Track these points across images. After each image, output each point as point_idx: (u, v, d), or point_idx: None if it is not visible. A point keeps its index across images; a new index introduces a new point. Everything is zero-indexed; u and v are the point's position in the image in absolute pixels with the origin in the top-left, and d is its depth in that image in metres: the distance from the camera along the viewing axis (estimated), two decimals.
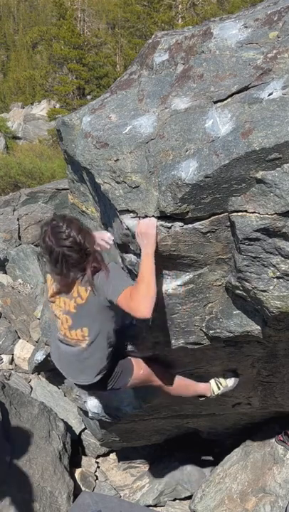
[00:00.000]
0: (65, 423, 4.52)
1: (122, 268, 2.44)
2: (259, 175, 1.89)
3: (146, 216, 2.17)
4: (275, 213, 1.90)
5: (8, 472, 3.47)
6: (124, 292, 2.20)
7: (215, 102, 2.04)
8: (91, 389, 2.77)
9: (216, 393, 3.06)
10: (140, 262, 2.19)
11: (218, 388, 3.05)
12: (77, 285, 2.35)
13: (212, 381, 3.08)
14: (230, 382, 3.04)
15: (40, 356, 4.91)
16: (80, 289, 2.35)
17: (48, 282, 2.55)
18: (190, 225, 2.11)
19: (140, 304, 2.11)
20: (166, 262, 2.29)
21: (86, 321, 2.38)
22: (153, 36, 2.53)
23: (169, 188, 2.03)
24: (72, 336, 2.44)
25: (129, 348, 2.68)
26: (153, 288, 2.12)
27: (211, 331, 2.45)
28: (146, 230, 2.11)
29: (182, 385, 3.00)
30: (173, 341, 2.59)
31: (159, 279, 2.39)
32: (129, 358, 2.72)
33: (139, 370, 2.70)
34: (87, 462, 4.74)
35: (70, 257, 2.24)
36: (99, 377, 2.53)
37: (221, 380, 3.06)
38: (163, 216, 2.12)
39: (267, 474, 3.77)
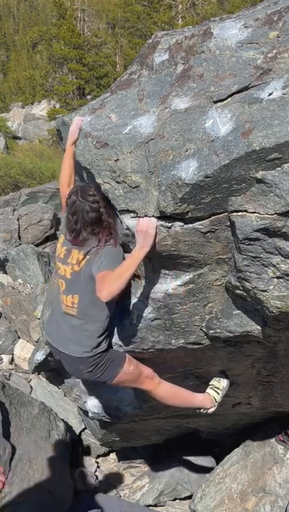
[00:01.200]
0: (65, 423, 4.52)
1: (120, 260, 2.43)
2: (259, 175, 1.89)
3: (146, 216, 2.17)
4: (275, 213, 1.90)
5: (8, 472, 3.46)
6: (104, 272, 2.29)
7: (215, 102, 2.04)
8: (80, 373, 2.67)
9: (217, 400, 2.99)
10: (129, 254, 2.24)
11: (218, 393, 2.99)
12: (78, 252, 2.43)
13: (209, 389, 3.01)
14: (224, 383, 3.01)
15: (40, 356, 4.90)
16: (79, 256, 2.43)
17: (58, 243, 2.62)
18: (190, 225, 2.11)
19: (105, 287, 2.20)
20: (166, 261, 2.30)
21: (78, 288, 2.46)
22: (153, 36, 2.53)
23: (169, 187, 2.03)
24: (65, 302, 2.53)
25: (129, 347, 2.68)
26: (123, 281, 2.19)
27: (211, 331, 2.45)
28: (147, 230, 2.14)
29: (177, 394, 2.91)
30: (173, 341, 2.59)
31: (159, 279, 2.39)
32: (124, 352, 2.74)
33: (130, 365, 2.67)
34: (87, 462, 4.74)
35: (88, 213, 2.35)
36: (87, 354, 2.54)
37: (215, 383, 3.02)
38: (163, 216, 2.12)
39: (267, 474, 3.77)
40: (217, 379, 3.03)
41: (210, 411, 3.00)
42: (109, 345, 2.67)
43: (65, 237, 2.55)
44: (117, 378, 2.66)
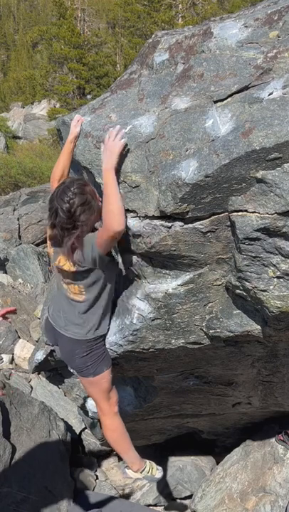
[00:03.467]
0: (66, 423, 4.52)
1: None
2: (259, 174, 1.89)
3: (146, 216, 2.17)
4: (276, 213, 1.90)
5: (9, 472, 3.47)
6: (97, 233, 2.31)
7: (215, 102, 2.04)
8: (74, 358, 2.68)
9: (142, 475, 2.99)
10: (103, 181, 2.23)
11: (150, 470, 2.98)
12: (65, 258, 2.45)
13: (148, 462, 3.02)
14: (159, 474, 3.02)
15: (40, 356, 4.90)
16: (68, 264, 2.45)
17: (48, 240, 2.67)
18: (190, 225, 2.11)
19: (112, 220, 2.18)
20: (166, 261, 2.30)
21: (83, 280, 2.49)
22: (153, 36, 2.52)
23: (169, 187, 2.03)
24: (72, 289, 2.55)
25: (129, 347, 2.68)
26: (115, 200, 2.17)
27: (211, 331, 2.45)
28: (113, 149, 2.17)
29: (121, 434, 2.91)
30: (173, 341, 2.59)
31: (159, 278, 2.39)
32: None
33: (110, 374, 2.75)
34: (87, 462, 4.74)
35: (59, 215, 2.37)
36: (88, 337, 2.60)
37: (154, 466, 3.02)
38: (163, 216, 2.12)
39: (267, 474, 3.78)
40: (158, 467, 3.05)
41: (131, 474, 3.02)
42: (105, 336, 2.72)
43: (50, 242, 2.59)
44: (99, 377, 2.70)
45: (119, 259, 2.58)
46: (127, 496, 4.46)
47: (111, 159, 2.18)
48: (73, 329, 2.63)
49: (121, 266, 2.65)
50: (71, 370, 2.88)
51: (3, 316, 2.69)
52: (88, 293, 2.53)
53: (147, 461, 3.02)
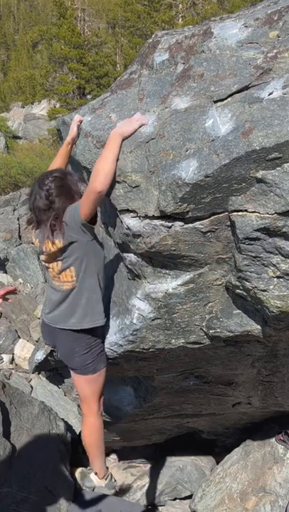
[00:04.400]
0: (66, 422, 4.52)
1: None
2: (259, 174, 1.89)
3: (146, 216, 2.17)
4: (276, 213, 1.90)
5: (9, 472, 3.46)
6: (81, 200, 2.34)
7: (215, 102, 2.04)
8: (74, 356, 2.68)
9: (105, 482, 3.05)
10: (106, 141, 2.25)
11: (110, 480, 3.06)
12: (47, 241, 2.48)
13: (110, 472, 3.11)
14: (115, 483, 3.14)
15: (40, 356, 4.90)
16: (51, 247, 2.48)
17: (32, 234, 2.69)
18: (190, 225, 2.11)
19: (95, 179, 2.21)
20: (166, 261, 2.30)
21: (70, 261, 2.51)
22: (153, 36, 2.53)
23: (169, 187, 2.03)
24: (64, 279, 2.56)
25: (129, 347, 2.68)
26: (109, 163, 2.19)
27: (211, 331, 2.45)
28: (134, 120, 2.22)
29: (96, 439, 2.93)
30: (173, 341, 2.59)
31: (159, 278, 2.39)
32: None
33: (105, 373, 2.77)
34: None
35: (36, 199, 2.45)
36: (86, 326, 2.60)
37: (112, 480, 3.11)
38: (163, 216, 2.12)
39: (267, 474, 3.77)
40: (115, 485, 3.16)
41: (95, 482, 3.06)
42: (102, 330, 2.72)
43: (32, 227, 2.63)
44: (97, 374, 2.72)
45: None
46: (127, 496, 4.46)
47: (124, 128, 2.21)
48: (70, 320, 2.61)
49: (121, 266, 2.65)
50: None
51: (3, 297, 2.67)
52: (78, 278, 2.53)
53: (108, 469, 3.11)
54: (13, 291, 2.74)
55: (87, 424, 2.89)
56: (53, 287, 2.65)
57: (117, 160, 2.21)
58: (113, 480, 3.10)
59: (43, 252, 2.55)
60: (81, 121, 2.54)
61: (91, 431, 2.90)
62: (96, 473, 3.05)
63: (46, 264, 2.62)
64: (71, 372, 2.82)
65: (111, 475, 3.10)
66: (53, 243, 2.47)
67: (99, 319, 2.64)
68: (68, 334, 2.65)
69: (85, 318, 2.61)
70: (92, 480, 3.07)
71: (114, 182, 2.24)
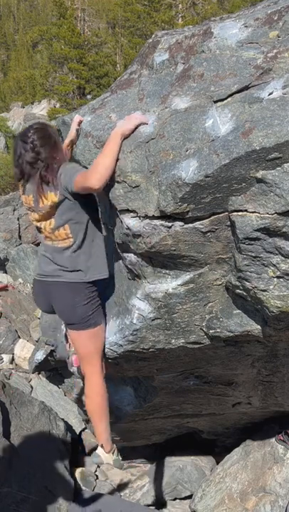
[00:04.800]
0: (66, 422, 4.52)
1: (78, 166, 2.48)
2: (259, 174, 1.89)
3: (146, 216, 2.17)
4: (276, 213, 1.90)
5: (9, 472, 3.46)
6: (80, 174, 2.33)
7: (215, 102, 2.04)
8: (75, 307, 2.60)
9: (112, 458, 2.90)
10: (107, 139, 2.27)
11: (117, 456, 2.92)
12: (42, 196, 2.46)
13: (116, 449, 2.95)
14: (116, 466, 2.98)
15: (40, 356, 4.91)
16: (43, 199, 2.46)
17: (20, 193, 2.67)
18: (190, 225, 2.11)
19: (92, 174, 2.22)
20: (166, 261, 2.30)
21: (63, 218, 2.49)
22: (153, 36, 2.53)
23: (169, 187, 2.03)
24: (59, 237, 2.53)
25: (129, 347, 2.68)
26: (109, 163, 2.21)
27: (211, 331, 2.45)
28: (133, 118, 2.23)
29: (101, 405, 2.79)
30: (173, 341, 2.59)
31: (159, 278, 2.39)
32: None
33: (104, 330, 2.70)
34: (88, 462, 4.74)
35: (21, 152, 2.44)
36: (85, 279, 2.55)
37: (119, 457, 2.96)
38: (163, 216, 2.12)
39: (267, 474, 3.77)
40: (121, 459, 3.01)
41: (103, 457, 2.89)
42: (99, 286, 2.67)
43: (21, 184, 2.62)
44: (99, 328, 2.66)
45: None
46: (127, 496, 4.46)
47: (125, 127, 2.22)
48: (70, 274, 2.56)
49: (121, 266, 2.65)
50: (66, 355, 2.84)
51: None
52: (75, 236, 2.51)
53: (113, 445, 2.94)
54: (5, 288, 2.70)
55: (91, 386, 2.74)
56: (46, 248, 2.61)
57: (117, 160, 2.21)
58: (120, 457, 2.96)
59: (37, 210, 2.51)
60: (81, 122, 2.54)
61: (96, 394, 2.75)
62: (102, 447, 2.89)
63: (37, 224, 2.58)
64: (71, 332, 2.73)
65: (117, 450, 2.95)
66: (46, 197, 2.44)
67: (102, 272, 2.60)
68: (68, 286, 2.57)
69: (88, 272, 2.56)
70: (100, 455, 2.90)
71: (112, 180, 2.24)
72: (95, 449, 4.86)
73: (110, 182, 2.27)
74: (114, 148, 2.22)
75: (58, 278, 2.59)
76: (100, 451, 2.90)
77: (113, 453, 2.91)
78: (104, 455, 2.89)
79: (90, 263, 2.56)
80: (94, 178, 2.21)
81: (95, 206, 2.59)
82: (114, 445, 2.95)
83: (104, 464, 3.00)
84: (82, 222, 2.51)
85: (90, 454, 4.87)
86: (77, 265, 2.55)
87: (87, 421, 4.09)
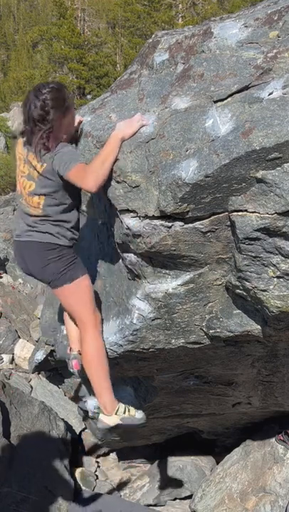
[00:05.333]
0: (66, 422, 4.52)
1: (77, 153, 2.44)
2: (259, 174, 1.89)
3: (146, 216, 2.17)
4: (276, 213, 1.90)
5: (9, 472, 3.47)
6: (77, 166, 2.28)
7: (215, 102, 2.04)
8: (48, 264, 2.53)
9: (118, 417, 2.61)
10: (106, 141, 2.25)
11: (124, 412, 2.63)
12: (34, 157, 2.42)
13: (122, 403, 2.67)
14: (139, 414, 2.67)
15: (40, 356, 4.90)
16: (36, 163, 2.42)
17: (18, 145, 2.59)
18: (190, 225, 2.11)
19: (89, 176, 2.21)
20: (166, 261, 2.30)
21: (42, 190, 2.46)
22: (153, 36, 2.52)
23: (169, 187, 2.03)
24: (31, 203, 2.50)
25: (129, 347, 2.68)
26: (107, 166, 2.20)
27: (211, 331, 2.45)
28: (134, 121, 2.21)
29: (102, 356, 2.58)
30: (173, 341, 2.59)
31: (159, 278, 2.39)
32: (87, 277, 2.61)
33: (87, 282, 2.58)
34: (88, 462, 4.74)
35: (35, 109, 2.35)
36: (55, 240, 2.50)
37: (131, 407, 2.68)
38: (163, 216, 2.12)
39: (267, 474, 3.77)
40: (137, 410, 2.74)
41: (106, 420, 2.63)
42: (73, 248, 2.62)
43: (22, 136, 2.55)
44: (77, 282, 2.54)
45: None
46: (127, 496, 4.47)
47: (126, 130, 2.21)
48: (39, 235, 2.52)
49: (121, 266, 2.65)
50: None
51: None
52: (45, 208, 2.46)
53: (121, 403, 2.67)
54: None
55: (87, 341, 2.60)
56: (20, 206, 2.58)
57: (117, 160, 2.21)
58: (129, 413, 2.65)
59: (25, 162, 2.47)
60: (80, 122, 2.54)
61: (93, 349, 2.59)
62: (104, 412, 2.64)
63: (21, 177, 2.54)
64: (54, 292, 2.66)
65: (125, 406, 2.67)
66: (37, 160, 2.39)
67: (69, 238, 2.54)
68: (38, 245, 2.53)
69: (54, 236, 2.51)
70: (102, 420, 2.66)
71: (108, 181, 2.25)
72: (94, 452, 4.86)
73: (110, 182, 2.27)
74: (113, 151, 2.21)
75: (29, 238, 2.55)
76: (102, 417, 2.65)
77: (117, 412, 2.63)
78: (107, 418, 2.64)
79: (57, 230, 2.51)
80: (91, 181, 2.20)
81: (78, 193, 2.54)
82: (120, 403, 2.67)
83: (112, 427, 2.67)
84: (59, 200, 2.46)
85: (89, 454, 4.87)
86: (45, 229, 2.51)
87: (84, 418, 4.06)
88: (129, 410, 2.66)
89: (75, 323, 2.77)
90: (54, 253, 2.52)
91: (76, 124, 2.56)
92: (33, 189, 2.46)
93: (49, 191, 2.44)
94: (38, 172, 2.42)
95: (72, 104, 2.44)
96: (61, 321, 3.52)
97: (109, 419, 2.63)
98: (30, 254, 2.59)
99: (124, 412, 2.64)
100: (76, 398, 4.21)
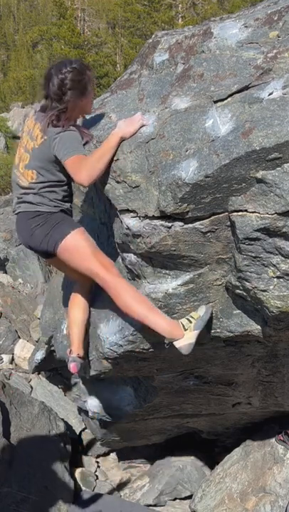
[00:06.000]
0: (66, 423, 4.52)
1: (81, 142, 2.39)
2: (259, 174, 1.89)
3: (146, 216, 2.17)
4: (276, 213, 1.90)
5: (9, 472, 3.46)
6: (76, 157, 2.28)
7: (215, 102, 2.04)
8: (33, 231, 2.51)
9: (186, 328, 2.35)
10: (106, 138, 2.25)
11: (190, 322, 2.36)
12: (38, 128, 2.43)
13: (182, 319, 2.41)
14: (201, 311, 2.38)
15: (40, 356, 4.90)
16: (38, 133, 2.42)
17: (30, 116, 2.58)
18: (190, 225, 2.11)
19: (84, 169, 2.21)
20: (166, 261, 2.30)
21: (36, 164, 2.46)
22: (153, 36, 2.53)
23: (169, 187, 2.03)
24: (25, 176, 2.51)
25: (129, 347, 2.68)
26: (103, 163, 2.21)
27: (211, 331, 2.45)
28: (134, 121, 2.20)
29: (140, 300, 2.37)
30: None
31: (159, 278, 2.39)
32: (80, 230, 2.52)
33: (82, 235, 2.48)
34: (88, 462, 4.74)
35: (53, 85, 2.36)
36: (42, 209, 2.50)
37: (192, 313, 2.40)
38: (163, 216, 2.12)
39: (267, 474, 3.77)
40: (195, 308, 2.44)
41: (179, 345, 2.36)
42: (64, 211, 2.59)
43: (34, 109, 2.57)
44: (69, 239, 2.44)
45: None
46: (127, 496, 4.46)
47: (126, 129, 2.21)
48: (23, 205, 2.54)
49: (121, 267, 2.65)
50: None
51: None
52: (35, 182, 2.47)
53: (180, 320, 2.40)
54: None
55: (117, 296, 2.41)
56: (14, 175, 2.59)
57: (117, 160, 2.21)
58: (196, 313, 2.38)
59: (29, 134, 2.48)
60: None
61: (127, 298, 2.38)
62: (176, 338, 2.36)
63: (21, 149, 2.55)
64: (58, 261, 2.62)
65: (184, 319, 2.39)
66: (40, 130, 2.40)
67: (58, 206, 2.53)
68: (25, 214, 2.54)
69: (40, 206, 2.51)
70: (182, 347, 2.37)
71: (108, 181, 2.25)
72: (94, 452, 4.85)
73: (109, 182, 2.27)
74: (111, 149, 2.22)
75: (18, 209, 2.58)
76: (176, 343, 2.38)
77: (185, 327, 2.37)
78: (184, 340, 2.36)
79: (38, 200, 2.51)
80: (84, 175, 2.22)
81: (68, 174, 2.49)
82: (177, 321, 2.40)
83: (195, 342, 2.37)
84: (46, 178, 2.46)
85: (89, 454, 4.87)
86: (28, 199, 2.52)
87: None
88: (192, 317, 2.39)
89: (84, 326, 2.77)
90: (38, 220, 2.51)
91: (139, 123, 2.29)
92: (27, 162, 2.48)
93: (40, 166, 2.44)
94: (36, 143, 2.42)
95: (91, 88, 2.41)
96: (61, 320, 3.52)
97: (186, 340, 2.36)
98: (20, 225, 2.62)
99: (190, 322, 2.37)
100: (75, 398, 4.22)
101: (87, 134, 2.42)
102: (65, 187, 2.55)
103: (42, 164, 2.44)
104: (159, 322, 2.36)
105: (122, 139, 2.22)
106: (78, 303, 2.91)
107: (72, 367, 2.87)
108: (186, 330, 2.36)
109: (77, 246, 2.47)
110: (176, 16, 29.27)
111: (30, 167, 2.47)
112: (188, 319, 2.38)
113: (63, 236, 2.46)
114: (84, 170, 2.22)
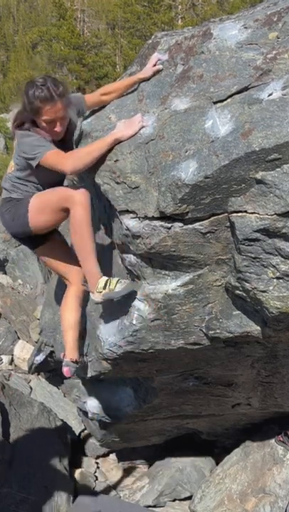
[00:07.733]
0: (65, 423, 4.52)
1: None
2: (259, 175, 1.90)
3: (146, 217, 2.17)
4: (275, 214, 1.90)
5: (9, 472, 3.46)
6: (52, 153, 2.40)
7: (215, 103, 2.04)
8: (4, 216, 2.74)
9: (97, 291, 2.46)
10: (102, 138, 2.30)
11: (104, 287, 2.44)
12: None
13: (106, 278, 2.49)
14: (119, 287, 2.42)
15: (39, 357, 4.91)
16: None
17: None
18: (190, 226, 2.11)
19: (70, 158, 2.32)
20: (166, 262, 2.30)
21: (16, 158, 2.66)
22: (153, 37, 2.53)
23: (168, 188, 2.03)
24: (10, 166, 2.74)
25: (129, 348, 2.68)
26: (91, 158, 2.27)
27: (210, 332, 2.45)
28: (133, 123, 2.23)
29: (86, 231, 2.45)
30: (173, 341, 2.59)
31: (159, 279, 2.39)
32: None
33: (40, 195, 2.63)
34: (87, 462, 4.74)
35: (24, 95, 2.54)
36: (13, 195, 2.68)
37: (113, 281, 2.46)
38: (163, 217, 2.12)
39: (267, 475, 3.77)
40: (123, 280, 2.49)
41: (95, 297, 2.49)
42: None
43: None
44: (32, 208, 2.57)
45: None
46: (126, 497, 4.46)
47: (125, 131, 2.23)
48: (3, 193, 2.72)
49: (121, 267, 2.65)
50: None
51: None
52: (12, 173, 2.68)
53: (104, 277, 2.49)
54: None
55: (72, 218, 2.47)
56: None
57: (116, 160, 2.21)
58: (113, 283, 2.46)
59: None
60: (158, 60, 2.37)
61: (74, 222, 2.45)
62: (91, 291, 2.53)
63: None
64: (41, 249, 2.83)
65: (108, 280, 2.48)
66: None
67: (28, 192, 2.67)
68: (2, 203, 2.74)
69: (10, 193, 2.70)
70: (93, 298, 2.55)
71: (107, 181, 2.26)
72: (93, 453, 4.85)
73: (109, 183, 2.27)
74: (103, 148, 2.25)
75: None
76: (93, 295, 2.53)
77: (100, 285, 2.47)
78: (95, 296, 2.52)
79: (10, 184, 2.70)
80: (70, 164, 2.31)
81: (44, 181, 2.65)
82: (102, 277, 2.49)
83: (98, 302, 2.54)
84: (22, 176, 2.64)
85: (89, 454, 4.86)
86: (3, 186, 2.70)
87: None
88: (110, 283, 2.46)
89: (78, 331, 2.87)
90: (8, 205, 2.69)
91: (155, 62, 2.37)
92: (13, 155, 2.68)
93: (16, 162, 2.64)
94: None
95: (42, 106, 2.47)
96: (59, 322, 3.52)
97: (96, 297, 2.52)
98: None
99: (105, 288, 2.45)
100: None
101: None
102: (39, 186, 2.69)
103: (16, 161, 2.66)
104: (90, 264, 2.52)
105: (118, 141, 2.23)
106: (69, 305, 2.96)
107: (66, 371, 2.90)
108: (98, 289, 2.47)
109: (41, 199, 2.59)
110: (175, 17, 29.27)
111: (14, 160, 2.68)
112: (107, 283, 2.45)
113: (26, 208, 2.60)
114: (70, 159, 2.31)
